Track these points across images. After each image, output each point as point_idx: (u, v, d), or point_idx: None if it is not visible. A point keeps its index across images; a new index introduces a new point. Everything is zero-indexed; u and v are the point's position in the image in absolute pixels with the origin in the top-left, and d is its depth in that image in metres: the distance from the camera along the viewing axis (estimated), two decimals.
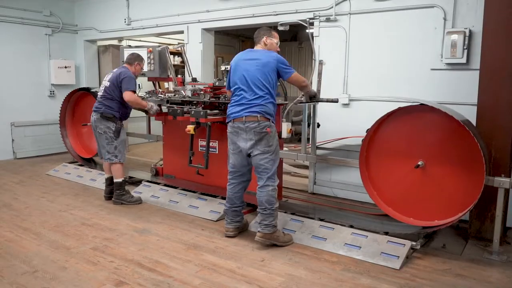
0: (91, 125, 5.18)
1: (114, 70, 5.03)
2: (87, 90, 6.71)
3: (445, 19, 4.42)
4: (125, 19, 7.52)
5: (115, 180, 5.02)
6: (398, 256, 3.43)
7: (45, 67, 8.05)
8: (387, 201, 3.91)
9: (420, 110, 3.68)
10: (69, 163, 6.83)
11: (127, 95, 4.82)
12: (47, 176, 6.50)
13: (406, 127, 3.79)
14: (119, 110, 4.97)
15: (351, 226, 3.92)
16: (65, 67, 8.23)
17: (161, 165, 5.94)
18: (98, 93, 5.10)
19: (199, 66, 6.60)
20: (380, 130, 3.91)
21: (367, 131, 3.87)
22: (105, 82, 5.00)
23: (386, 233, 3.73)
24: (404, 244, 3.53)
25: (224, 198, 4.77)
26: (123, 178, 5.03)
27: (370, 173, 3.99)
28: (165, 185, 5.44)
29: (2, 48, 7.43)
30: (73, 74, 8.36)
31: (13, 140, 7.60)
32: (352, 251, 3.62)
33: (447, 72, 4.47)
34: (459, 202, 3.51)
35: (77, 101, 6.92)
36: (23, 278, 3.15)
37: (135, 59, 5.07)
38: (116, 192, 5.03)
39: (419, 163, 3.67)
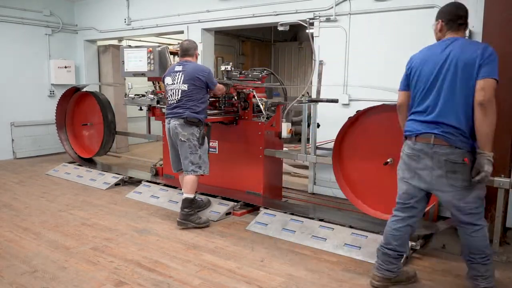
0: (168, 133, 4.34)
1: (179, 68, 4.23)
2: (78, 89, 6.76)
3: None
4: (125, 19, 7.52)
5: (185, 196, 4.21)
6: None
7: (45, 67, 8.06)
8: (359, 196, 4.07)
9: (388, 110, 3.79)
10: (69, 163, 6.83)
11: (220, 88, 4.43)
12: (47, 176, 6.50)
13: (375, 126, 3.91)
14: (203, 113, 4.27)
15: (351, 227, 3.93)
16: (65, 67, 8.24)
17: (161, 165, 5.94)
18: (169, 98, 4.29)
19: None
20: (352, 129, 4.05)
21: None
22: (180, 85, 4.18)
23: None
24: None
25: (224, 198, 4.79)
26: (194, 194, 4.31)
27: (344, 170, 4.15)
28: (165, 185, 5.44)
29: (2, 48, 7.43)
30: (73, 74, 8.37)
31: (13, 140, 7.60)
32: (352, 252, 3.62)
33: None
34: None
35: (76, 101, 6.92)
36: (23, 278, 3.15)
37: (195, 48, 4.38)
38: (183, 210, 4.19)
39: (388, 160, 3.77)
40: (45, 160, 7.61)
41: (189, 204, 4.20)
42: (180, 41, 4.44)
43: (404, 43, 4.73)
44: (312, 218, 4.16)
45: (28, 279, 3.13)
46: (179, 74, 4.20)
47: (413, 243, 3.54)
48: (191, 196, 4.22)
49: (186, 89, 4.15)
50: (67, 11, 8.36)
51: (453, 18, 2.78)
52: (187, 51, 4.32)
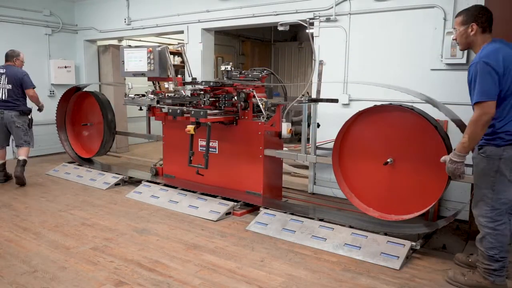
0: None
1: (2, 71, 5.85)
2: (79, 89, 6.77)
3: (445, 19, 4.42)
4: (125, 19, 7.52)
5: (23, 158, 5.90)
6: (398, 257, 3.43)
7: (45, 67, 8.06)
8: (359, 195, 4.08)
9: (389, 110, 3.83)
10: (69, 163, 6.83)
11: (31, 94, 6.00)
12: (47, 176, 6.50)
13: (375, 126, 3.92)
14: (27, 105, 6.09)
15: (351, 227, 3.93)
16: (65, 67, 8.24)
17: (161, 165, 5.94)
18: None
19: (199, 66, 6.60)
20: (353, 128, 4.06)
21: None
22: (5, 85, 5.82)
23: (386, 234, 3.74)
24: (404, 245, 3.53)
25: (224, 199, 4.78)
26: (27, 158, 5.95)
27: (344, 170, 4.15)
28: (165, 185, 5.44)
29: (2, 48, 7.42)
30: (73, 74, 8.37)
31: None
32: (352, 251, 3.62)
33: (447, 72, 4.47)
34: (426, 199, 3.64)
35: (76, 101, 6.92)
36: (23, 278, 3.15)
37: (16, 56, 5.97)
38: (22, 168, 5.87)
39: (388, 160, 3.78)
40: (45, 160, 7.61)
41: (24, 163, 5.84)
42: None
43: (403, 43, 4.73)
44: (312, 218, 4.16)
45: (28, 279, 3.13)
46: (2, 76, 5.81)
47: (413, 243, 3.54)
48: (26, 158, 5.89)
49: (10, 88, 5.79)
50: (67, 11, 8.36)
51: (489, 20, 2.85)
52: (8, 57, 6.01)
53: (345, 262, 3.48)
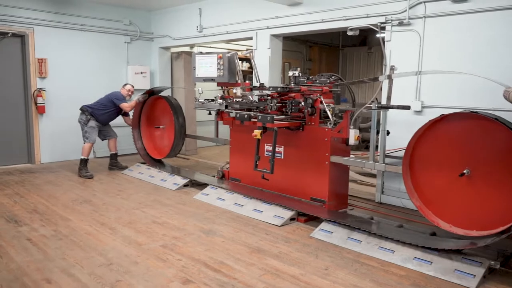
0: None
1: None
2: (154, 93, 7.14)
3: None
4: (197, 27, 7.83)
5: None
6: (474, 275, 3.20)
7: (123, 72, 8.64)
8: (431, 207, 3.83)
9: (466, 118, 3.58)
10: (142, 163, 7.22)
11: None
12: (122, 175, 6.92)
13: (450, 135, 3.68)
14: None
15: (417, 246, 3.69)
16: (141, 72, 8.76)
17: (227, 169, 6.07)
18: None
19: (266, 72, 6.68)
20: (426, 136, 3.83)
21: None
22: None
23: (459, 251, 3.50)
24: (481, 263, 3.29)
25: (285, 208, 4.77)
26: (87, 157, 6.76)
27: (415, 180, 3.94)
28: (230, 188, 5.55)
29: (88, 54, 8.10)
30: (148, 79, 8.88)
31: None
32: (422, 266, 3.44)
33: None
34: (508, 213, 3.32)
35: (150, 105, 7.31)
36: (100, 269, 3.38)
37: None
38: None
39: (464, 171, 3.53)
40: (121, 160, 8.08)
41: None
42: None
43: (483, 47, 4.43)
44: (376, 235, 3.93)
45: (104, 271, 3.35)
46: None
47: (492, 262, 3.28)
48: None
49: None
50: (144, 20, 8.90)
51: None
52: None
53: (414, 277, 3.31)
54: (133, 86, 7.27)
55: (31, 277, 3.22)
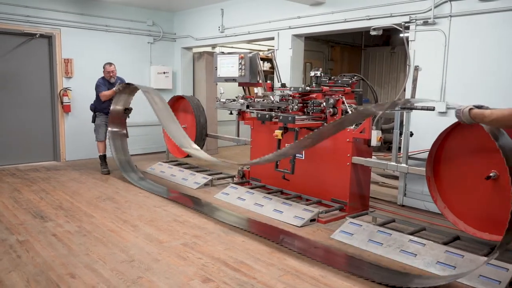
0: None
1: None
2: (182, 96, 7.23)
3: None
4: (219, 27, 7.87)
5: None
6: (500, 281, 3.11)
7: (146, 72, 8.76)
8: (456, 212, 3.74)
9: None
10: (164, 162, 7.31)
11: None
12: (145, 173, 7.02)
13: (476, 136, 3.53)
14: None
15: (445, 243, 3.65)
16: (164, 72, 8.87)
17: (248, 168, 6.09)
18: None
19: (288, 72, 6.67)
20: (451, 137, 3.73)
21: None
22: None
23: (485, 255, 3.41)
24: (508, 269, 3.19)
25: (305, 210, 4.75)
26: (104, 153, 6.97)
27: (439, 182, 3.85)
28: (251, 188, 5.57)
29: (111, 55, 8.21)
30: (170, 79, 8.98)
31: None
32: (446, 271, 3.36)
33: None
34: None
35: (172, 104, 7.39)
36: (122, 266, 3.43)
37: None
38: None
39: (491, 174, 3.42)
40: (143, 158, 8.23)
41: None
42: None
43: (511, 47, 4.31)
44: (402, 231, 3.94)
45: (126, 267, 3.41)
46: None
47: None
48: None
49: None
50: (167, 20, 9.01)
51: None
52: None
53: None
54: (110, 65, 6.94)
55: (56, 272, 3.30)
